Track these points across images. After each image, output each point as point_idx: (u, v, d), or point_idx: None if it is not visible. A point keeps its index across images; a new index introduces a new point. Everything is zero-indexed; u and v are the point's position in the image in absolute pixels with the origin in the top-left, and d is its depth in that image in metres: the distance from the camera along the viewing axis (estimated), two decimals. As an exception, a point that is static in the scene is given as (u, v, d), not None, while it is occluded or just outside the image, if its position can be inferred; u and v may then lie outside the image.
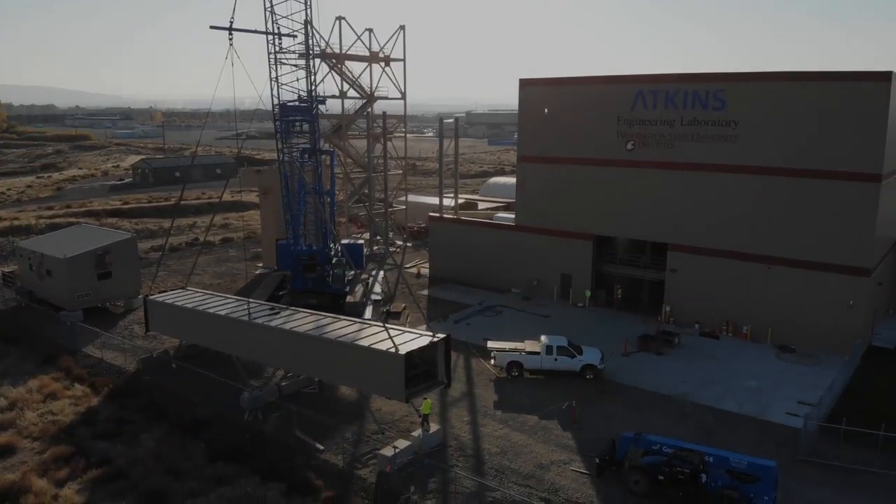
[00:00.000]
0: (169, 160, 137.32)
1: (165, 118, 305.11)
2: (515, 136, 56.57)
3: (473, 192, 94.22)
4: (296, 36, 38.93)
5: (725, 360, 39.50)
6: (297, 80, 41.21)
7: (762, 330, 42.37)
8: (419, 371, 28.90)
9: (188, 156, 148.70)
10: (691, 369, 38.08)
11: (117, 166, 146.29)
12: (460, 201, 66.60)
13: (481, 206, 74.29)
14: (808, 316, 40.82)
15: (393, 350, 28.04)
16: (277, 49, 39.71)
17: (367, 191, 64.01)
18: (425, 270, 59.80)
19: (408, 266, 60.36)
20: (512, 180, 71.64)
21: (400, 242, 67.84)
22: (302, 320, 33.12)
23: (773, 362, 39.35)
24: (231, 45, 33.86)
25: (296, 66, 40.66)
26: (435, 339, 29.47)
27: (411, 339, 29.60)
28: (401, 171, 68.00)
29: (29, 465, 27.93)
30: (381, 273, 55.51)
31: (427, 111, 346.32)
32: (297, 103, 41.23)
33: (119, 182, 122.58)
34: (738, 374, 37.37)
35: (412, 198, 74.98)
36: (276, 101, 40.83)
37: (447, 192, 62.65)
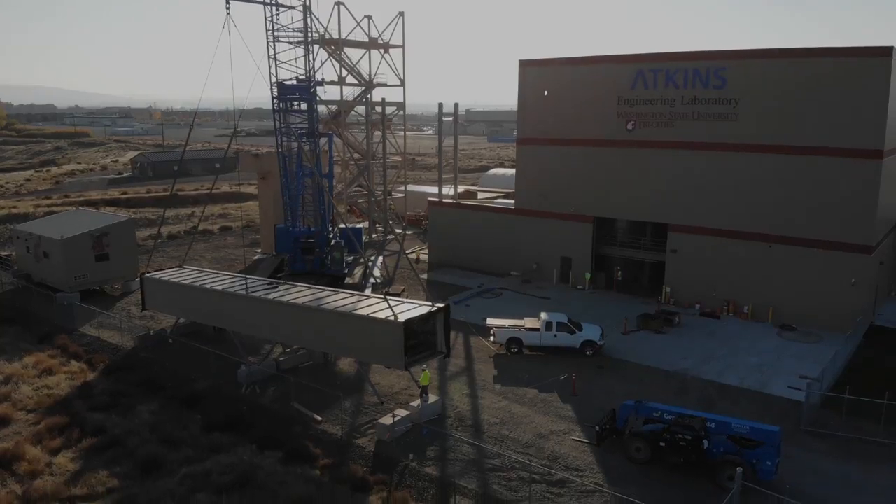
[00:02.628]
0: (168, 153, 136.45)
1: (164, 117, 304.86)
2: (515, 133, 56.15)
3: (473, 185, 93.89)
4: (294, 7, 38.71)
5: (726, 338, 39.23)
6: (296, 59, 41.01)
7: (763, 309, 42.10)
8: (418, 340, 28.66)
9: (188, 150, 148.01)
10: (692, 346, 37.82)
11: (116, 161, 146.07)
12: (460, 190, 66.30)
13: (481, 195, 73.98)
14: (810, 294, 40.54)
15: (392, 318, 27.79)
16: (275, 25, 39.48)
17: (364, 181, 63.84)
18: (424, 256, 59.53)
19: (407, 252, 60.08)
20: (511, 171, 71.23)
21: (399, 230, 67.63)
22: (300, 293, 32.85)
23: (775, 340, 39.08)
24: (228, 13, 33.59)
25: (291, 43, 40.43)
26: (434, 309, 29.22)
27: (410, 308, 29.34)
28: (400, 160, 67.87)
29: (23, 434, 27.63)
30: (381, 258, 55.32)
31: (426, 110, 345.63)
32: (294, 82, 40.97)
33: (118, 176, 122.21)
34: (739, 351, 37.12)
35: (411, 187, 74.77)
36: (273, 80, 40.60)
37: (447, 181, 62.33)
